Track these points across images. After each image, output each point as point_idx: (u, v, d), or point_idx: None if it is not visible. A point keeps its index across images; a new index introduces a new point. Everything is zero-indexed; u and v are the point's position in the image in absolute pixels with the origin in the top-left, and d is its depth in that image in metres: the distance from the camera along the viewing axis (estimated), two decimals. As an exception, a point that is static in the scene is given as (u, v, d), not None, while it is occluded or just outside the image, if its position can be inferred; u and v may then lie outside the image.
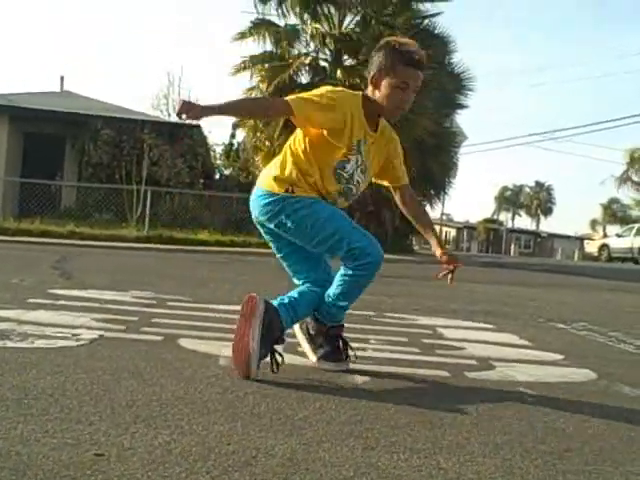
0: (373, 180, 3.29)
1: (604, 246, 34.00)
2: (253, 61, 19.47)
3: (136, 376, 2.74)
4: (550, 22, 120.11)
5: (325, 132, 2.94)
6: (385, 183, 3.31)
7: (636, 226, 33.82)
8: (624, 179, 49.56)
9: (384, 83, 2.97)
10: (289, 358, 3.32)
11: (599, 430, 2.46)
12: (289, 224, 2.96)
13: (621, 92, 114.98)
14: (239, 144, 30.08)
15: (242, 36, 19.49)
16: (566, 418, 2.58)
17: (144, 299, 5.23)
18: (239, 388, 2.66)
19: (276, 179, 2.99)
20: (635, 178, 50.41)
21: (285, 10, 19.58)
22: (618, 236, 34.25)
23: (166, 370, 2.90)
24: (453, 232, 62.94)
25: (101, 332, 3.67)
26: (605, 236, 41.79)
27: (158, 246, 14.34)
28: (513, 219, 79.82)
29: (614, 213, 63.60)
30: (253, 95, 19.32)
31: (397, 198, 3.30)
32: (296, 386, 2.77)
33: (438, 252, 3.15)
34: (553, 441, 2.29)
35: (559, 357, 3.92)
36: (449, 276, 3.14)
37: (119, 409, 2.27)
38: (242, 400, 2.49)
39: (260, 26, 19.48)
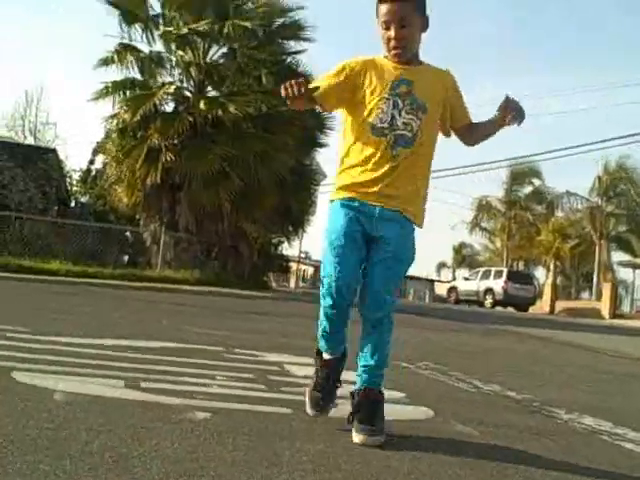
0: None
1: (453, 289, 35.51)
2: (115, 87, 19.06)
3: (-41, 411, 2.58)
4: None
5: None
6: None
7: (481, 270, 35.62)
8: (474, 224, 52.13)
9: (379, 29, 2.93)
10: (122, 393, 3.24)
11: (430, 467, 2.53)
12: None
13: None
14: (97, 171, 29.32)
15: (105, 62, 19.06)
16: (401, 455, 2.65)
17: (-20, 329, 4.94)
18: (72, 424, 2.55)
19: None
20: (483, 225, 53.13)
21: (150, 36, 19.36)
22: (465, 279, 35.88)
23: (-6, 405, 2.74)
24: (311, 270, 63.59)
25: None
26: (454, 279, 43.59)
27: (4, 274, 13.62)
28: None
29: (464, 257, 66.50)
30: (115, 123, 18.92)
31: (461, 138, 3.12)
32: (134, 423, 2.69)
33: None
34: (387, 478, 2.34)
35: (401, 395, 4.03)
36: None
37: None
38: (74, 437, 2.39)
39: (124, 52, 19.11)
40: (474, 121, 3.09)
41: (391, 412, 3.49)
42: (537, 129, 75.38)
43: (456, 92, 3.03)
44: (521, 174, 48.44)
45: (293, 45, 20.09)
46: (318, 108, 3.12)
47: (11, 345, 4.36)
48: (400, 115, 2.86)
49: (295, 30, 19.70)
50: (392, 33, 2.86)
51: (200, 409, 3.04)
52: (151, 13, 19.22)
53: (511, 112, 2.89)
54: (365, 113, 2.90)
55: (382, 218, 2.88)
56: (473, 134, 3.09)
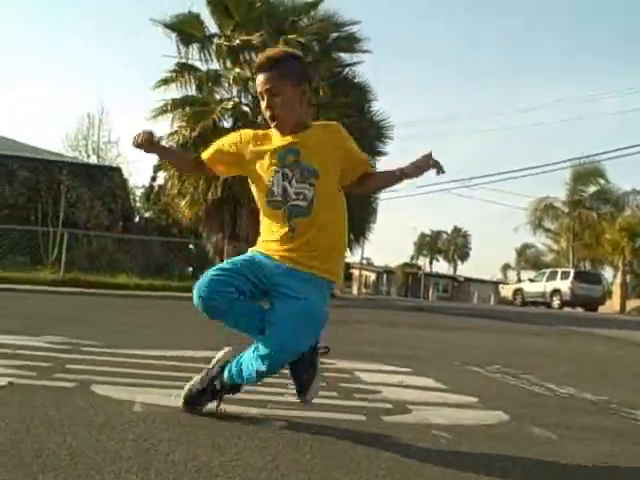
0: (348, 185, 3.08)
1: (518, 290, 34.89)
2: (174, 104, 19.41)
3: (46, 424, 2.66)
4: (464, 72, 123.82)
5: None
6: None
7: (548, 271, 34.92)
8: (536, 225, 51.24)
9: None
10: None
11: (508, 470, 2.52)
12: None
13: (527, 143, 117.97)
14: (160, 187, 29.88)
15: (165, 82, 19.45)
16: (477, 459, 2.63)
17: (58, 344, 5.10)
18: (153, 435, 2.61)
19: None
20: (546, 225, 52.14)
21: (207, 55, 19.70)
22: (531, 281, 35.22)
23: (78, 417, 2.83)
24: (373, 276, 63.54)
25: (11, 379, 3.55)
26: (519, 281, 42.88)
27: (74, 290, 14.00)
28: (431, 264, 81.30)
29: (528, 259, 65.44)
30: (175, 140, 19.24)
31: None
32: (212, 432, 2.74)
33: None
34: (466, 483, 2.33)
35: (473, 400, 3.99)
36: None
37: (27, 459, 2.20)
38: (156, 447, 2.45)
39: (182, 71, 19.49)
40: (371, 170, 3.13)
41: (465, 417, 3.48)
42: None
43: (348, 146, 3.01)
44: (585, 174, 47.50)
45: (348, 58, 20.20)
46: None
47: (87, 359, 4.49)
48: (291, 185, 2.83)
49: (350, 43, 19.80)
50: (264, 103, 2.87)
51: (276, 418, 3.08)
52: (207, 34, 19.56)
53: (434, 165, 2.91)
54: (260, 186, 2.91)
55: (286, 272, 2.83)
56: (364, 183, 3.15)
